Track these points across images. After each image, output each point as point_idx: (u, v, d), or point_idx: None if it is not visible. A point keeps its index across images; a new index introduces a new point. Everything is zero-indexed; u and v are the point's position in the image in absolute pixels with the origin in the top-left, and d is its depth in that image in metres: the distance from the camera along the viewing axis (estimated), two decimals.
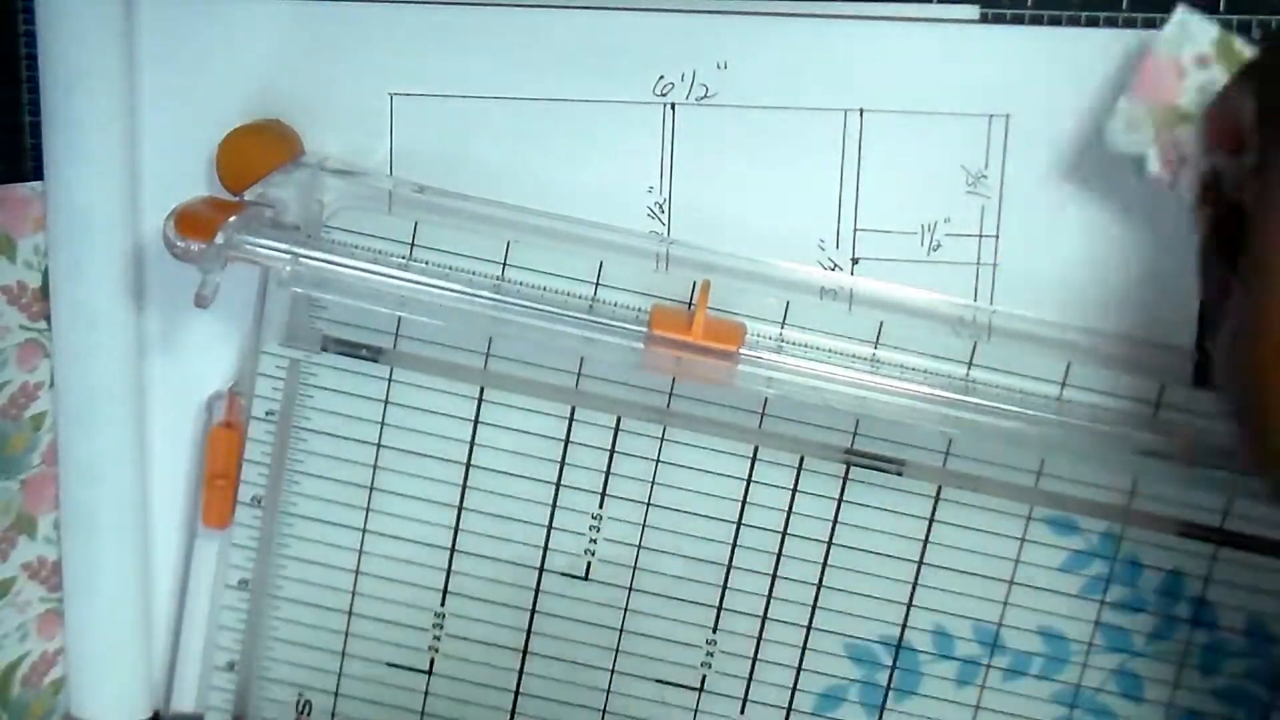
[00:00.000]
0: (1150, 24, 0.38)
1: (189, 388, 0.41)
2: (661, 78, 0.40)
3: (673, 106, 0.40)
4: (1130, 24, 0.39)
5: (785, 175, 0.40)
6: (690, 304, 0.39)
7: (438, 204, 0.39)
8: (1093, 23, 0.39)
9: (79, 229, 0.39)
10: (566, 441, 0.40)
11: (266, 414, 0.40)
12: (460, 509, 0.40)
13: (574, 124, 0.40)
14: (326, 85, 0.40)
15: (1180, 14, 0.37)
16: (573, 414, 0.39)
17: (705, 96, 0.40)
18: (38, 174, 0.39)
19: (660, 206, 0.40)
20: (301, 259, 0.36)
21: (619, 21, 0.40)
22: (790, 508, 0.40)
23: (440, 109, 0.40)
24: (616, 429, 0.39)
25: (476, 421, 0.39)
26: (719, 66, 0.40)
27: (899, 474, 0.39)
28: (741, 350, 0.37)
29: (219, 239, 0.35)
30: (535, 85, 0.39)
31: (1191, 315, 0.40)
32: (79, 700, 0.42)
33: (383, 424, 0.40)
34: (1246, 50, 0.37)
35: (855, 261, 0.40)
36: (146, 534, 0.41)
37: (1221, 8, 0.38)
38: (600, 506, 0.40)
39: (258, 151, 0.38)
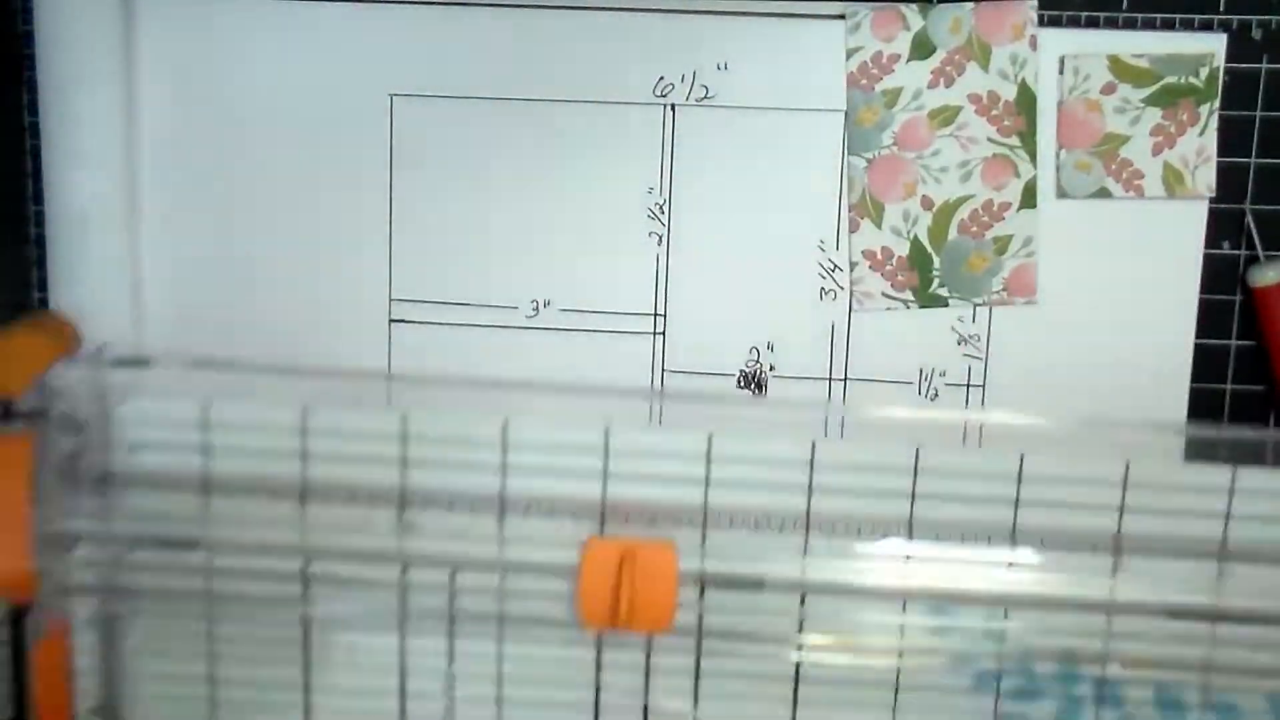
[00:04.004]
0: (1150, 25, 0.38)
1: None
2: (661, 78, 0.40)
3: (673, 106, 0.40)
4: (1130, 25, 0.39)
5: (785, 175, 0.40)
6: None
7: (225, 377, 0.37)
8: (1093, 23, 0.39)
9: (79, 229, 0.39)
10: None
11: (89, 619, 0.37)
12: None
13: (574, 124, 0.40)
14: (326, 85, 0.40)
15: (1064, 55, 0.38)
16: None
17: (705, 96, 0.40)
18: (38, 174, 0.39)
19: (660, 207, 0.40)
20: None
21: (619, 21, 0.40)
22: None
23: (440, 109, 0.40)
24: None
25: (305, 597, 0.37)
26: (719, 66, 0.40)
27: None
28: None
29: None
30: (535, 85, 0.39)
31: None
32: None
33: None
34: (1140, 60, 0.38)
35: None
36: None
37: (1221, 8, 0.38)
38: None
39: (30, 352, 0.36)
